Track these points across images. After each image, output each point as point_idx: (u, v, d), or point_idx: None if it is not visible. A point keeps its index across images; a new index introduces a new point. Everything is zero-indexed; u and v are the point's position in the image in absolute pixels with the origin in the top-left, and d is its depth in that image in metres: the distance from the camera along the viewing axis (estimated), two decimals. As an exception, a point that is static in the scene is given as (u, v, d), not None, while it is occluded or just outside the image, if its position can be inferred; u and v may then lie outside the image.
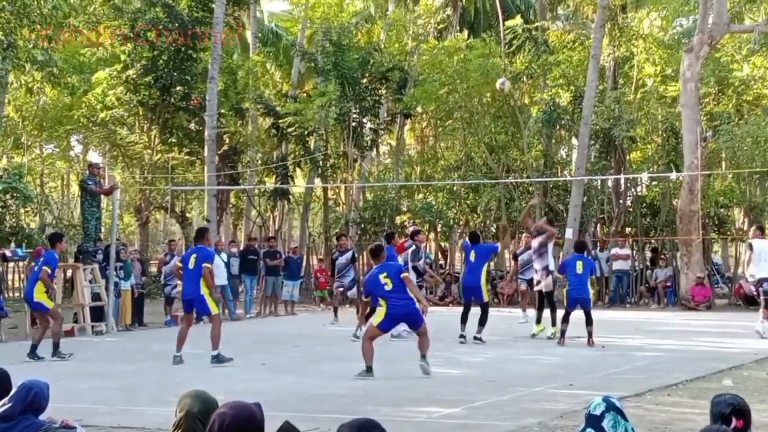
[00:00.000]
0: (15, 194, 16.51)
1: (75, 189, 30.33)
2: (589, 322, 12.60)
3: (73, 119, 25.35)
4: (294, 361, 11.48)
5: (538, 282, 14.03)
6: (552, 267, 14.10)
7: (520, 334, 14.21)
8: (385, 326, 9.95)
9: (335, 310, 17.12)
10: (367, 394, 8.64)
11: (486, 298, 13.13)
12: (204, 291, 11.06)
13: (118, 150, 25.62)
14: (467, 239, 14.00)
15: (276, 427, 3.48)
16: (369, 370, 9.66)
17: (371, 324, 9.93)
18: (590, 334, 12.57)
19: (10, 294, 19.90)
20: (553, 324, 13.62)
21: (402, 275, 9.89)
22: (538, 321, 14.08)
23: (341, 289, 16.37)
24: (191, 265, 11.20)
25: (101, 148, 28.04)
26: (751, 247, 14.31)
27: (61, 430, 4.61)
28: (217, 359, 10.87)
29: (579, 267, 12.79)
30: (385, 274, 9.79)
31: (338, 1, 29.28)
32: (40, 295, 11.86)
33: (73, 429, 4.72)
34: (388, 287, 9.69)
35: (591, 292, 13.18)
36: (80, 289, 15.26)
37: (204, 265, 11.10)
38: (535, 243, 14.03)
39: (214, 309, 11.21)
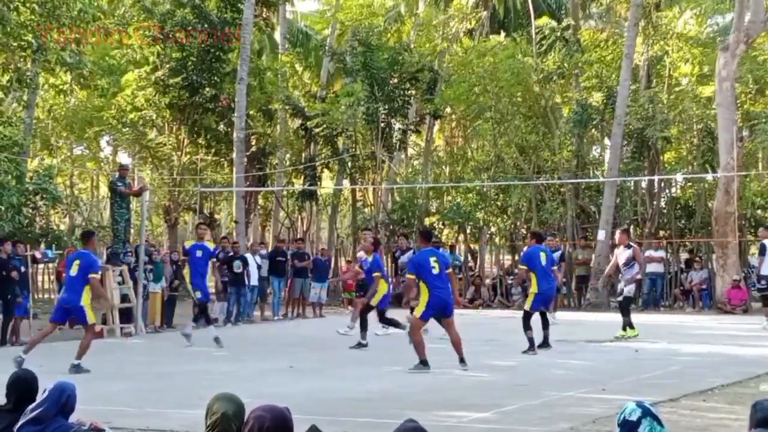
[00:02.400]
0: (45, 195, 16.64)
1: (104, 190, 30.58)
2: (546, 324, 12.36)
3: (103, 121, 25.56)
4: (322, 363, 11.39)
5: (621, 291, 14.13)
6: (639, 277, 14.51)
7: (551, 338, 13.97)
8: (427, 317, 10.34)
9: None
10: (396, 398, 8.51)
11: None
12: (85, 302, 10.74)
13: (147, 151, 25.78)
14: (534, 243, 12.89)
15: (303, 431, 3.46)
16: (424, 363, 10.12)
17: (414, 317, 10.41)
18: (546, 338, 12.33)
19: (40, 296, 20.06)
20: (624, 328, 13.82)
21: (448, 270, 10.35)
22: (631, 326, 13.91)
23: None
24: (73, 272, 10.80)
25: (130, 150, 28.25)
26: (765, 247, 14.94)
27: (90, 432, 4.57)
28: (76, 369, 10.42)
29: (543, 259, 12.23)
30: (435, 258, 10.23)
31: (370, 2, 29.21)
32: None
33: (101, 431, 4.67)
34: (435, 271, 10.12)
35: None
36: (109, 291, 15.29)
37: (91, 276, 10.79)
38: (623, 257, 13.94)
39: (91, 318, 10.93)
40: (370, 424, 7.29)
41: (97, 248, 21.56)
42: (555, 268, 12.93)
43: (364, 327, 13.04)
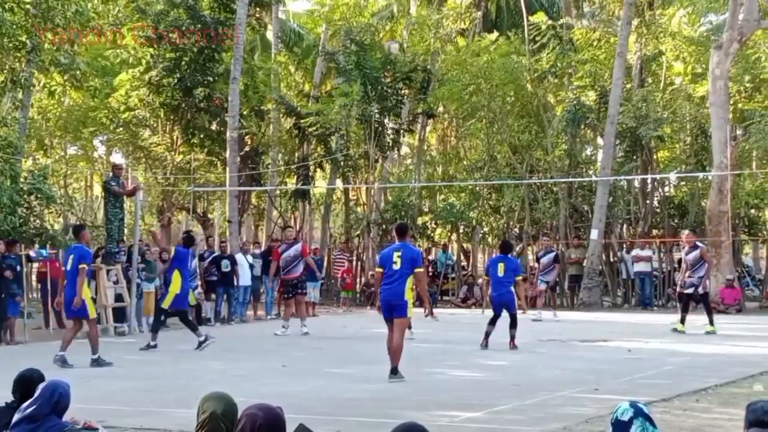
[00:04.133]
0: (39, 195, 16.60)
1: (98, 190, 30.50)
2: (513, 325, 12.49)
3: (97, 121, 25.51)
4: (315, 363, 11.40)
5: (691, 285, 14.75)
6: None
7: (544, 337, 14.03)
8: (387, 314, 9.65)
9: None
10: (389, 397, 8.52)
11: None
12: (85, 295, 11.00)
13: (141, 151, 25.73)
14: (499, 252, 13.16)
15: (292, 430, 3.45)
16: (393, 371, 9.54)
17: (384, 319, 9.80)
18: (512, 338, 12.45)
19: (33, 295, 20.01)
20: (711, 323, 14.52)
21: (417, 269, 9.61)
22: (683, 321, 14.65)
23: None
24: (69, 265, 11.11)
25: (124, 150, 28.20)
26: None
27: (83, 431, 4.57)
28: (98, 363, 10.88)
29: (500, 269, 12.57)
30: (399, 253, 9.59)
31: (356, 1, 29.19)
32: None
33: (95, 430, 4.68)
34: (396, 266, 9.52)
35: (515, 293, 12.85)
36: (103, 291, 15.28)
37: (80, 266, 10.98)
38: (690, 257, 14.86)
39: (92, 313, 11.15)
40: (364, 423, 7.30)
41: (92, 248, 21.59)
42: (519, 278, 13.02)
43: (155, 329, 13.10)
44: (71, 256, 11.17)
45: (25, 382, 4.86)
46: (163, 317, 13.67)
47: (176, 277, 12.88)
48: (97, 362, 10.95)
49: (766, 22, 21.69)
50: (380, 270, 9.83)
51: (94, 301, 11.37)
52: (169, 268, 13.44)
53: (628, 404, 3.41)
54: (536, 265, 19.80)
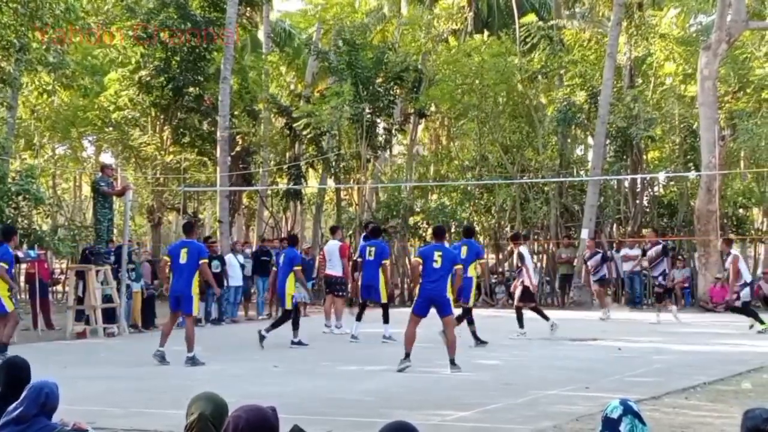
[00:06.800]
0: (27, 196, 16.52)
1: (87, 190, 30.39)
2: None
3: (86, 121, 25.40)
4: (307, 363, 11.39)
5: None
6: (749, 280, 15.54)
7: (535, 336, 14.05)
8: (419, 310, 10.40)
9: None
10: (381, 397, 8.53)
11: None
12: (194, 291, 11.13)
13: (131, 151, 25.63)
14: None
15: (286, 431, 3.45)
16: (407, 356, 10.25)
17: (411, 311, 10.54)
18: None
19: (22, 296, 19.91)
20: (761, 323, 14.77)
21: (456, 266, 10.36)
22: (761, 321, 14.82)
23: None
24: (183, 259, 11.15)
25: (114, 150, 28.08)
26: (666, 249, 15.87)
27: (72, 432, 4.55)
28: (192, 361, 10.94)
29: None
30: (440, 253, 10.29)
31: (350, 0, 29.21)
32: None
33: (84, 432, 4.65)
34: (437, 264, 10.19)
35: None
36: (92, 291, 15.23)
37: (201, 262, 11.13)
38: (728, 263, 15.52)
39: (195, 309, 11.30)
40: (356, 423, 7.30)
41: (77, 248, 21.49)
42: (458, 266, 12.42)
43: None
44: (184, 250, 11.15)
45: (11, 370, 4.78)
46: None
47: (291, 279, 13.37)
48: (193, 360, 10.86)
49: (753, 23, 21.82)
50: (419, 260, 10.54)
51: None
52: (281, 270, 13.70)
53: (617, 402, 3.43)
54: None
